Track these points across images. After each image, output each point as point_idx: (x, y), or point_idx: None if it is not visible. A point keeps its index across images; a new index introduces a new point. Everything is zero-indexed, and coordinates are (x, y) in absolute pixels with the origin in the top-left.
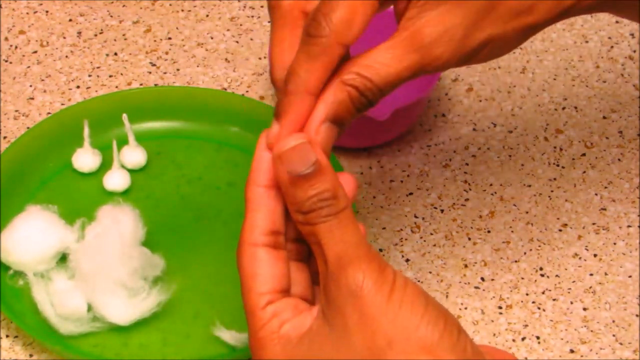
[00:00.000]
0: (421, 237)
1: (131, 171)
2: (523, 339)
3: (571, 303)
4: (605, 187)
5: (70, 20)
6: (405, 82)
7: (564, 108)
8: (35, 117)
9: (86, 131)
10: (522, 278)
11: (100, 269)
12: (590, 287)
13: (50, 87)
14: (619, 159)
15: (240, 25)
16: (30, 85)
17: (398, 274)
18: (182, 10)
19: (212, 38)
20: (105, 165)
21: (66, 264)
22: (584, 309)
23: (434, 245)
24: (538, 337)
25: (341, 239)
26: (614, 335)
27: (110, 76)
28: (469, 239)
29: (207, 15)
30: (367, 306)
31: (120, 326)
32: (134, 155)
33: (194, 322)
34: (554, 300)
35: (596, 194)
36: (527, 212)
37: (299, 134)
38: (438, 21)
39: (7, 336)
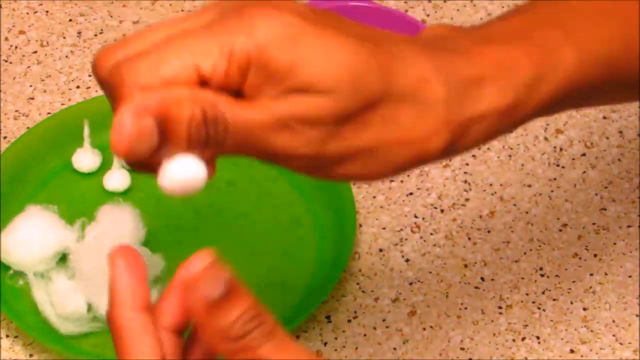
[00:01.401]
0: (421, 237)
1: (131, 171)
2: (523, 339)
3: (571, 303)
4: (605, 187)
5: (70, 20)
6: (260, 150)
7: None
8: (35, 117)
9: (86, 131)
10: (522, 278)
11: (100, 269)
12: (590, 287)
13: (50, 87)
14: (619, 159)
15: None
16: (30, 85)
17: None
18: (182, 10)
19: None
20: (105, 165)
21: (66, 264)
22: (584, 309)
23: (434, 245)
24: (538, 337)
25: (296, 354)
26: (614, 335)
27: None
28: (469, 239)
29: None
30: None
31: None
32: None
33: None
34: (554, 300)
35: (596, 194)
36: (527, 212)
37: (204, 252)
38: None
39: (7, 336)
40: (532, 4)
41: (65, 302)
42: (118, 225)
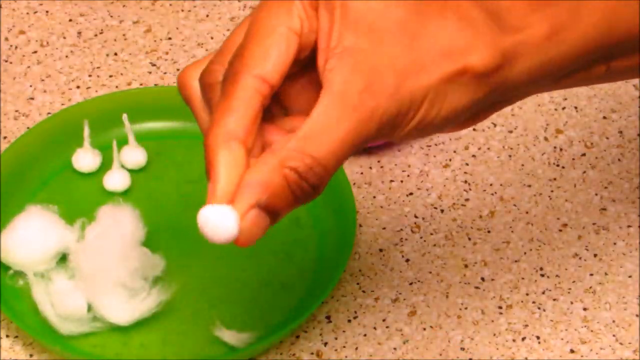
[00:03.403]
0: (421, 237)
1: (131, 171)
2: (523, 339)
3: (571, 303)
4: (605, 187)
5: (70, 20)
6: (355, 150)
7: (564, 108)
8: (35, 117)
9: (86, 131)
10: (522, 278)
11: (100, 269)
12: (590, 287)
13: (50, 87)
14: (619, 159)
15: None
16: (30, 85)
17: None
18: (182, 10)
19: (212, 38)
20: (105, 165)
21: (66, 264)
22: (584, 309)
23: (434, 245)
24: (538, 337)
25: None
26: (614, 335)
27: (110, 76)
28: (469, 239)
29: (207, 15)
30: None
31: (120, 326)
32: (134, 155)
33: (194, 322)
34: (554, 300)
35: (596, 194)
36: (527, 212)
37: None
38: (361, 69)
39: (7, 336)
40: None
41: (65, 302)
42: (118, 225)
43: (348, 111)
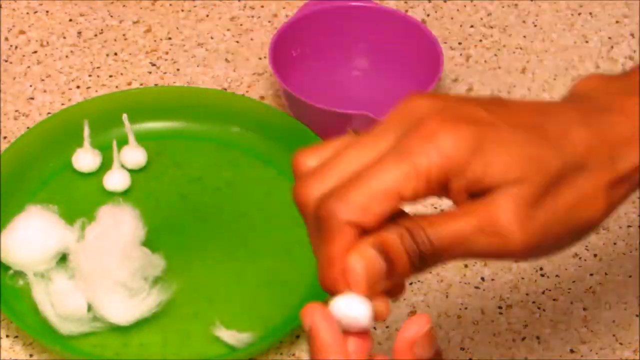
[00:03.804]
0: None
1: (131, 171)
2: (523, 339)
3: (571, 303)
4: None
5: (70, 20)
6: (466, 253)
7: None
8: (35, 117)
9: (86, 131)
10: (522, 278)
11: (100, 269)
12: (590, 287)
13: (50, 87)
14: None
15: (240, 25)
16: (30, 85)
17: None
18: (182, 10)
19: (212, 38)
20: (105, 165)
21: (66, 264)
22: (584, 309)
23: None
24: (538, 337)
25: None
26: (614, 335)
27: (110, 76)
28: None
29: (207, 15)
30: None
31: (120, 326)
32: (134, 155)
33: (194, 322)
34: (554, 300)
35: None
36: None
37: (424, 316)
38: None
39: (7, 336)
40: None
41: (65, 302)
42: (118, 225)
43: (478, 221)
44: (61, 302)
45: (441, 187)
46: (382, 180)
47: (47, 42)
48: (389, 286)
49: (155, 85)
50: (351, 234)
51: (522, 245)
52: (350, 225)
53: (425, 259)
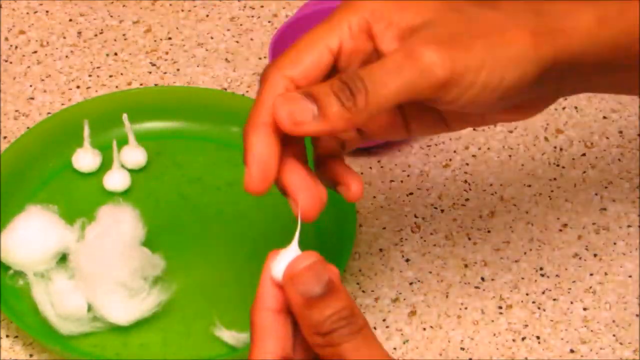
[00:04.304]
0: (421, 237)
1: (131, 171)
2: (523, 339)
3: (571, 303)
4: (605, 187)
5: (70, 20)
6: (401, 100)
7: (564, 108)
8: (35, 117)
9: (86, 131)
10: (522, 278)
11: (100, 269)
12: (590, 287)
13: (50, 87)
14: (619, 159)
15: (240, 25)
16: (30, 85)
17: None
18: (182, 10)
19: (212, 38)
20: (105, 165)
21: (66, 264)
22: (584, 309)
23: (434, 245)
24: (538, 337)
25: (369, 355)
26: (614, 335)
27: (110, 76)
28: (469, 239)
29: (207, 15)
30: None
31: (120, 326)
32: (134, 155)
33: (194, 322)
34: (554, 300)
35: (596, 194)
36: (527, 212)
37: (310, 252)
38: (425, 36)
39: (7, 336)
40: None
41: (65, 302)
42: (118, 225)
43: (409, 66)
44: (61, 302)
45: (367, 35)
46: (310, 36)
47: (47, 42)
48: (333, 146)
49: (155, 85)
50: (282, 86)
51: (447, 72)
52: (282, 78)
53: (355, 99)
